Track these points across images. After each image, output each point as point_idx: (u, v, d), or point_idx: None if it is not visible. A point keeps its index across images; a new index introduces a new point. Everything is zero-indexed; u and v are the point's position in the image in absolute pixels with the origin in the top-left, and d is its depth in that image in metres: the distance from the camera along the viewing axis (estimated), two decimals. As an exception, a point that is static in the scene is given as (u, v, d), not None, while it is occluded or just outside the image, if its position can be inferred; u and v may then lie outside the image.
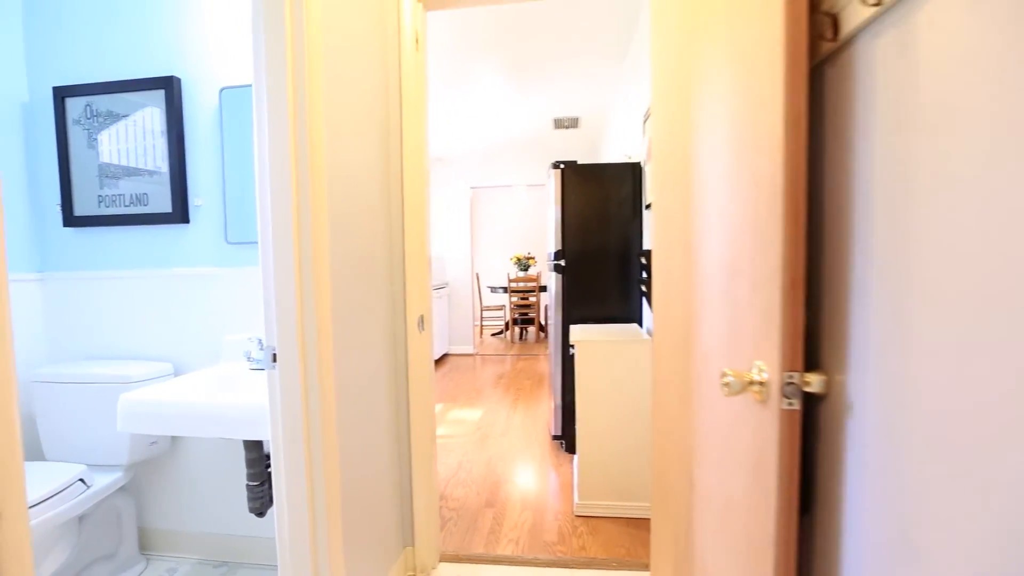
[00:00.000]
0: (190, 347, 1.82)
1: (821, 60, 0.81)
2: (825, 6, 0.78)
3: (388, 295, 1.72)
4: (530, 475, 2.64)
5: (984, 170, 0.51)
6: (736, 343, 0.91)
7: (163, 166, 1.77)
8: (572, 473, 2.58)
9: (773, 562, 0.77)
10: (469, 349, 6.45)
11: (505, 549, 1.96)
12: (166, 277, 1.81)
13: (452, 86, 3.75)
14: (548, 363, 3.80)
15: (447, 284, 6.33)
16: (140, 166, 1.78)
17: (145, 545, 1.93)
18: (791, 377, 0.74)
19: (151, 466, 1.90)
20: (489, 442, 3.14)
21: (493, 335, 7.91)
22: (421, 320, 1.79)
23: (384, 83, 1.70)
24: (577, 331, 2.31)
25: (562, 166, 2.76)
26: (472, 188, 6.39)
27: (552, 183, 2.81)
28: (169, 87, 1.73)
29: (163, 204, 1.78)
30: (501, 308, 7.66)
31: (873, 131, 0.69)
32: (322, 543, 1.27)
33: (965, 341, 0.53)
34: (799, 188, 0.72)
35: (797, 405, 0.74)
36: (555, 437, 3.01)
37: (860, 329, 0.72)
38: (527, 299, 7.02)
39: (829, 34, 0.77)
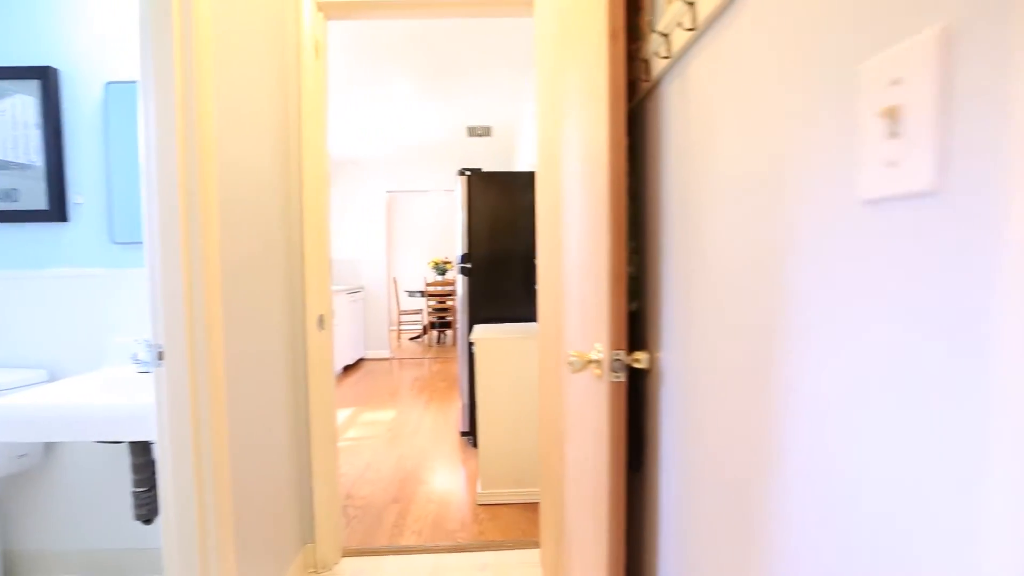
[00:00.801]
0: (69, 352, 1.72)
1: (643, 96, 1.00)
2: (642, 53, 0.97)
3: (286, 294, 1.75)
4: (437, 470, 2.73)
5: (727, 194, 0.71)
6: (584, 330, 1.08)
7: (37, 160, 1.67)
8: (477, 466, 2.70)
9: (607, 512, 0.94)
10: (385, 353, 6.40)
11: (408, 540, 2.04)
12: (41, 278, 1.71)
13: (365, 90, 3.76)
14: (460, 364, 3.91)
15: (362, 288, 6.24)
16: (9, 159, 1.67)
17: (11, 571, 1.78)
18: (617, 355, 0.91)
19: (19, 481, 1.76)
20: (399, 442, 3.18)
21: (411, 339, 7.88)
22: (321, 320, 1.84)
23: (283, 87, 1.73)
24: (479, 330, 2.44)
25: (468, 173, 2.89)
26: (388, 192, 6.37)
27: (459, 189, 2.94)
28: (45, 78, 1.64)
29: (37, 201, 1.67)
30: (419, 312, 7.66)
31: (669, 154, 0.88)
32: (212, 545, 1.29)
33: (721, 325, 0.73)
34: (620, 201, 0.90)
35: (623, 378, 0.91)
36: (463, 433, 3.13)
37: (668, 315, 0.91)
38: (444, 303, 7.09)
39: (644, 76, 0.96)
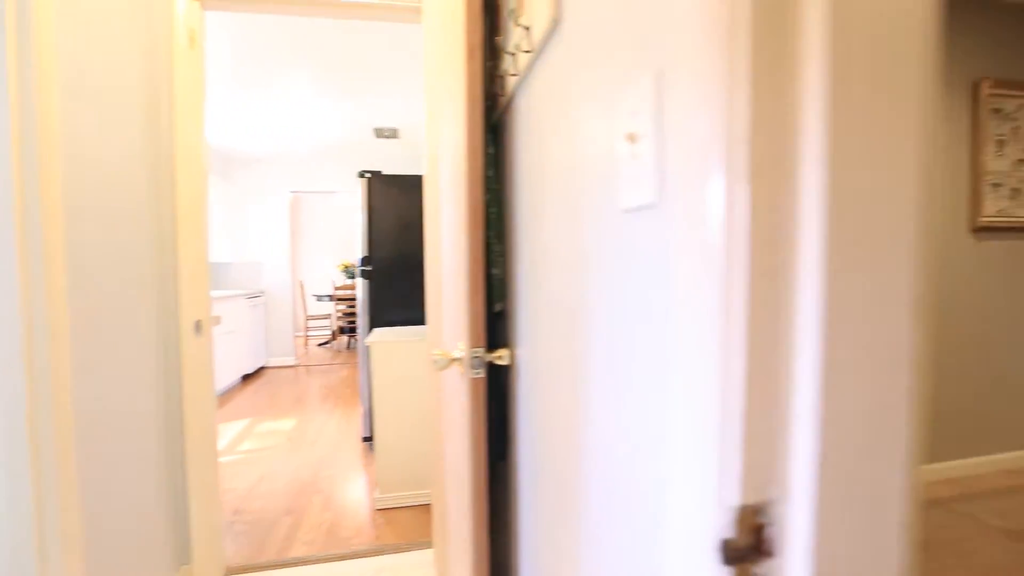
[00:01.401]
0: None
1: (502, 110, 1.07)
2: (500, 70, 1.04)
3: (157, 298, 1.63)
4: (336, 478, 2.65)
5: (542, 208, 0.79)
6: (453, 330, 1.13)
7: None
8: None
9: (470, 501, 0.99)
10: (290, 360, 6.08)
11: (298, 552, 1.97)
12: None
13: (264, 85, 3.58)
14: (366, 369, 3.82)
15: (263, 292, 5.89)
16: None
17: None
18: (476, 352, 0.96)
19: None
20: (298, 451, 3.05)
21: (319, 345, 7.55)
22: (198, 325, 1.73)
23: (152, 77, 1.62)
24: (376, 334, 2.42)
25: (368, 175, 2.85)
26: (293, 192, 6.07)
27: (359, 191, 2.89)
28: None
29: None
30: (328, 317, 7.37)
31: (522, 163, 0.95)
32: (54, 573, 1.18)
33: (551, 322, 0.80)
34: (476, 205, 0.95)
35: (482, 374, 0.97)
36: (365, 439, 3.07)
37: (522, 314, 0.97)
38: (354, 307, 6.87)
39: (501, 91, 1.03)
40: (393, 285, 2.89)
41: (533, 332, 0.89)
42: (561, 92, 0.68)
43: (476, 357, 0.96)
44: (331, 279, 7.99)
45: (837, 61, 0.30)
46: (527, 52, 0.80)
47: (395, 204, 2.89)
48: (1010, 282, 2.56)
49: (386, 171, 6.00)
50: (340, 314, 6.97)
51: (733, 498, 0.33)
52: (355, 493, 2.47)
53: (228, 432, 3.47)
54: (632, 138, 0.46)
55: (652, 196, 0.43)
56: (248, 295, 5.22)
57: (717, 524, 0.33)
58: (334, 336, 7.39)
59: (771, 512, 0.33)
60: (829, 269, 0.31)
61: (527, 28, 0.78)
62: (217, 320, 2.32)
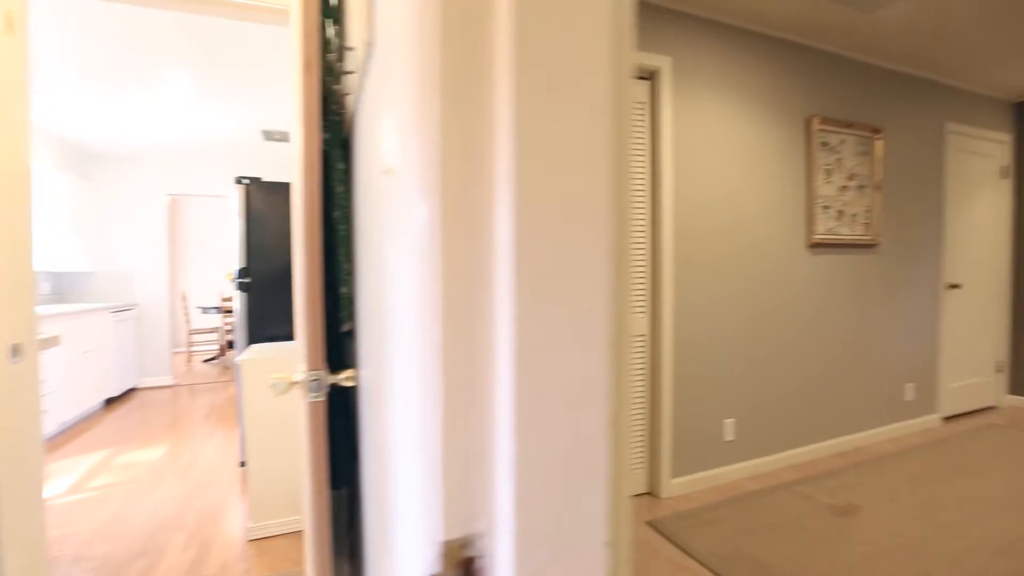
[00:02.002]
0: None
1: (349, 127, 1.05)
2: (342, 88, 1.03)
3: (-42, 321, 1.40)
4: (206, 510, 2.44)
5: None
6: (302, 352, 1.09)
7: None
8: (256, 498, 2.48)
9: (313, 527, 0.95)
10: (167, 380, 5.51)
11: (150, 597, 1.78)
12: None
13: (135, 79, 3.23)
14: (249, 387, 3.56)
15: (135, 305, 5.29)
16: None
17: None
18: (315, 375, 0.93)
19: None
20: (164, 483, 2.76)
21: (205, 361, 6.92)
22: (15, 349, 1.51)
23: (-48, 64, 1.40)
24: (251, 350, 2.27)
25: (246, 182, 2.68)
26: (171, 195, 5.53)
27: (237, 198, 2.70)
28: None
29: None
30: (215, 331, 6.78)
31: (360, 179, 0.95)
32: None
33: (377, 339, 0.79)
34: (314, 223, 0.93)
35: (322, 398, 0.94)
36: (242, 464, 2.85)
37: (363, 333, 0.96)
38: (246, 319, 6.38)
39: (340, 108, 1.02)
40: (273, 298, 2.73)
41: (369, 352, 0.88)
42: (371, 115, 0.69)
43: (315, 380, 0.93)
44: (219, 290, 7.36)
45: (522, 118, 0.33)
46: (354, 73, 0.80)
47: (277, 212, 2.74)
48: (836, 288, 2.96)
49: (276, 176, 5.67)
50: (229, 327, 6.45)
51: (438, 533, 0.34)
52: (226, 524, 2.28)
53: (79, 467, 3.06)
54: (388, 172, 0.48)
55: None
56: (114, 308, 4.66)
57: (427, 559, 0.35)
58: (222, 351, 6.81)
59: (480, 545, 0.35)
60: (520, 303, 0.33)
61: (352, 48, 0.78)
62: (54, 341, 2.04)
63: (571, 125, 0.34)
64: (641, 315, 2.46)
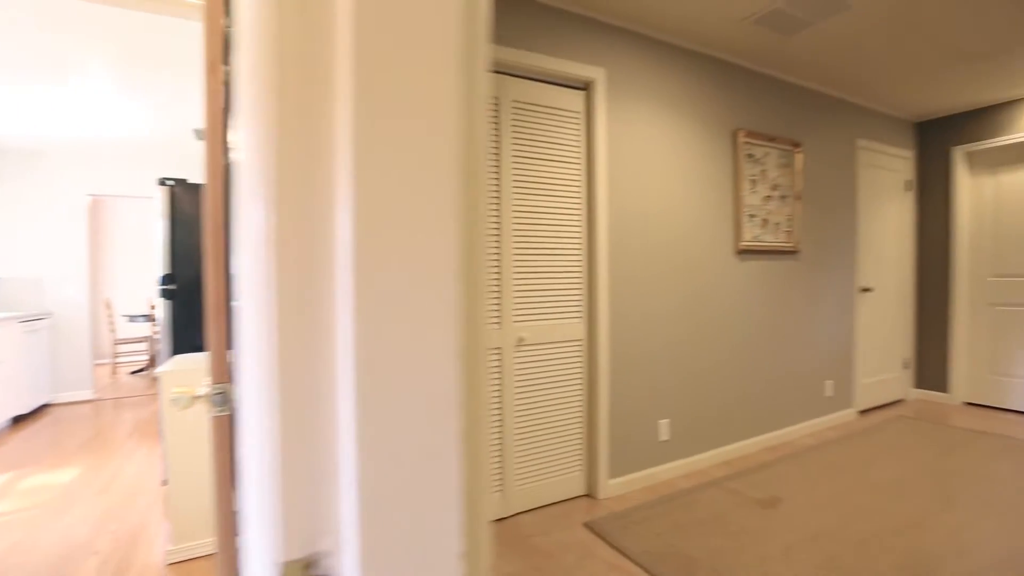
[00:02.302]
0: None
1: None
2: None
3: None
4: (123, 532, 2.28)
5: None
6: (207, 364, 1.05)
7: None
8: (179, 518, 2.35)
9: (220, 546, 0.91)
10: (87, 394, 5.11)
11: (52, 631, 1.64)
12: None
13: (47, 73, 2.99)
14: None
15: (49, 314, 4.89)
16: None
17: None
18: (220, 388, 0.90)
19: None
20: (76, 506, 2.56)
21: (133, 373, 6.48)
22: None
23: None
24: (173, 361, 2.15)
25: (170, 183, 2.54)
26: (93, 195, 5.16)
27: (160, 201, 2.56)
28: None
29: None
30: (145, 340, 6.36)
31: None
32: None
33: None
34: (217, 228, 0.90)
35: (228, 411, 0.91)
36: (165, 483, 2.69)
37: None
38: (178, 328, 6.02)
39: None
40: (200, 305, 2.60)
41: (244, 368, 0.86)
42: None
43: (220, 393, 0.89)
44: (148, 297, 6.92)
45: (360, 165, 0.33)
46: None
47: (202, 216, 2.61)
48: (762, 293, 3.14)
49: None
50: (159, 337, 6.06)
51: (278, 553, 0.34)
52: (144, 548, 2.14)
53: (-24, 492, 2.78)
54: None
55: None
56: (23, 318, 4.29)
57: None
58: (151, 362, 6.40)
59: (326, 564, 0.35)
60: (361, 316, 0.33)
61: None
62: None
63: (414, 141, 0.35)
64: (578, 320, 2.52)
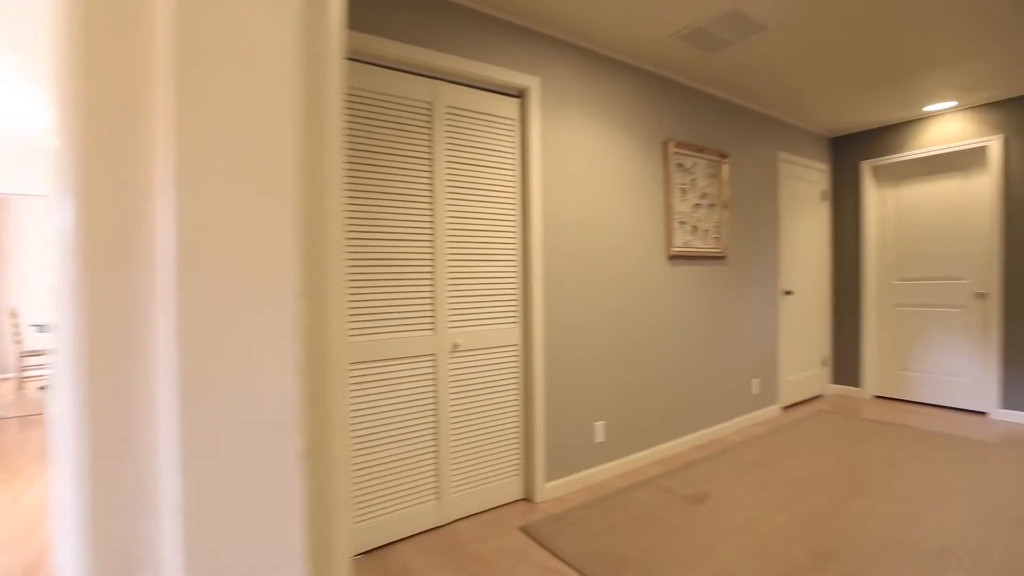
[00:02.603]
0: None
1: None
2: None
3: None
4: (16, 565, 2.07)
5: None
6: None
7: None
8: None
9: None
10: (-16, 414, 4.62)
11: None
12: None
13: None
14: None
15: (-63, 325, 4.39)
16: None
17: None
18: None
19: None
20: (-39, 540, 2.30)
21: (42, 388, 5.93)
22: None
23: None
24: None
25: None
26: (-9, 192, 4.70)
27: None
28: None
29: None
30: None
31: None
32: None
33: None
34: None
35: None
36: (71, 508, 2.47)
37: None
38: (94, 338, 5.57)
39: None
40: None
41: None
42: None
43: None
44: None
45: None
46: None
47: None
48: (692, 296, 3.28)
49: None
50: (71, 348, 5.58)
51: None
52: (41, 581, 1.96)
53: None
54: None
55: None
56: (-97, 331, 3.83)
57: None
58: (63, 376, 5.87)
59: None
60: (185, 327, 0.31)
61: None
62: None
63: (250, 141, 0.33)
64: (513, 325, 2.53)
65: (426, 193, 2.25)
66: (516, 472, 2.57)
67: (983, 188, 3.72)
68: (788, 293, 4.08)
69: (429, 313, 2.26)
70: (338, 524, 0.40)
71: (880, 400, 4.34)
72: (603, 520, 2.34)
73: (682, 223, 3.17)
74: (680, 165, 3.16)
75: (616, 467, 2.86)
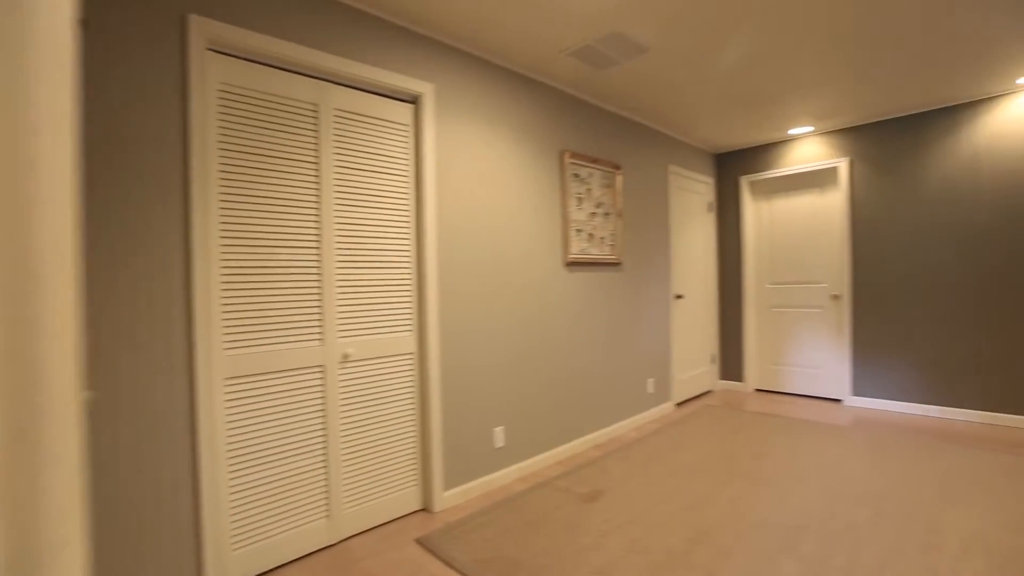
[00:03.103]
0: None
1: None
2: None
3: None
4: None
5: None
6: None
7: None
8: None
9: None
10: None
11: None
12: None
13: None
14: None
15: None
16: None
17: None
18: None
19: None
20: None
21: None
22: None
23: None
24: None
25: None
26: None
27: None
28: None
29: None
30: None
31: None
32: None
33: None
34: None
35: None
36: None
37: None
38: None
39: None
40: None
41: None
42: None
43: None
44: None
45: None
46: None
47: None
48: (589, 301, 3.43)
49: None
50: None
51: None
52: None
53: None
54: None
55: None
56: None
57: None
58: None
59: None
60: None
61: None
62: None
63: None
64: (408, 334, 2.49)
65: (312, 198, 2.15)
66: (414, 483, 2.52)
67: (836, 203, 4.25)
68: (679, 297, 4.39)
69: (316, 323, 2.16)
70: (60, 569, 0.36)
71: (761, 393, 4.78)
72: (500, 525, 2.36)
73: (579, 231, 3.30)
74: (576, 175, 3.30)
75: (516, 471, 2.90)
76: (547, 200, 3.12)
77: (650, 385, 3.98)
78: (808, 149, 4.37)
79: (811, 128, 4.18)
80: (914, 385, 3.87)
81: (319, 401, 2.18)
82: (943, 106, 3.69)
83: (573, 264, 3.28)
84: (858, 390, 4.16)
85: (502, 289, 2.84)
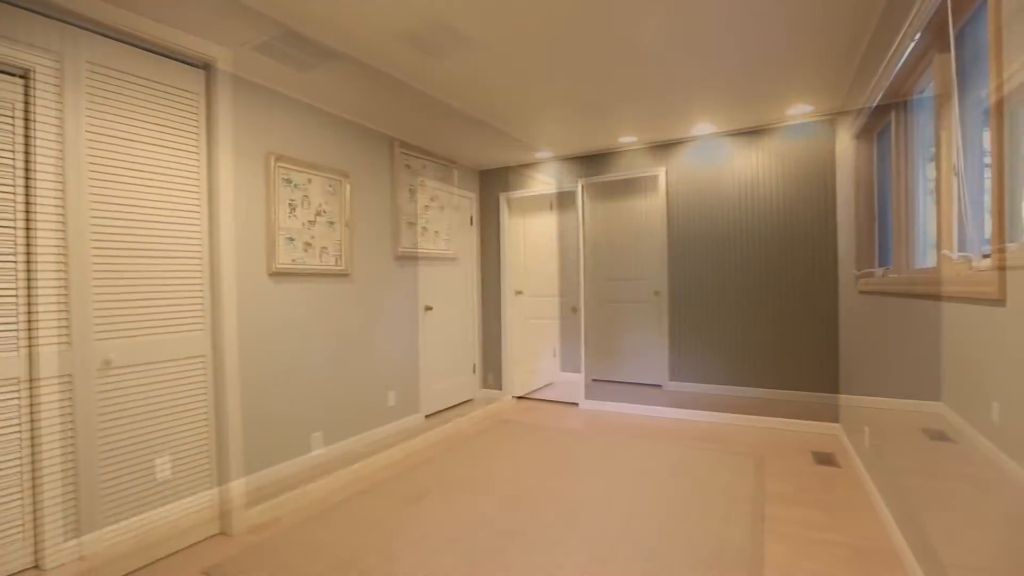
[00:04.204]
0: None
1: None
2: None
3: None
4: None
5: None
6: None
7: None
8: None
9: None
10: None
11: None
12: None
13: None
14: None
15: None
16: None
17: None
18: None
19: None
20: None
21: None
22: None
23: None
24: None
25: None
26: None
27: None
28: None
29: None
30: None
31: None
32: None
33: None
34: None
35: None
36: None
37: None
38: None
39: None
40: None
41: None
42: None
43: None
44: None
45: None
46: None
47: None
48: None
49: None
50: None
51: None
52: None
53: None
54: None
55: None
56: None
57: None
58: None
59: None
60: None
61: None
62: None
63: None
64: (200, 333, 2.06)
65: (51, 167, 1.81)
66: (209, 504, 2.21)
67: (657, 207, 4.57)
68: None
69: (62, 323, 1.81)
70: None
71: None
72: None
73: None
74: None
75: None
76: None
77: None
78: (635, 159, 4.64)
79: (634, 138, 4.46)
80: (718, 369, 4.32)
81: (67, 417, 1.83)
82: (735, 130, 4.22)
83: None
84: (674, 375, 4.49)
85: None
